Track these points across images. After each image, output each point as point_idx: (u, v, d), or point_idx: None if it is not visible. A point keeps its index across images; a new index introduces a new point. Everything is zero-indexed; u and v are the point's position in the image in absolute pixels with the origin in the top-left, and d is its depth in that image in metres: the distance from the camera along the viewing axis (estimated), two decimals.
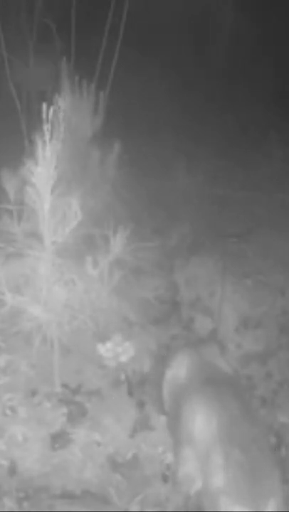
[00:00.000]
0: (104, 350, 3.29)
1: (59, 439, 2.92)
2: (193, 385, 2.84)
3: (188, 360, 2.95)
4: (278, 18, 6.07)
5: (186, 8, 6.35)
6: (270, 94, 6.03)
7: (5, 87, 4.41)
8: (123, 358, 3.29)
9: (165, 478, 2.80)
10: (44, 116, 2.76)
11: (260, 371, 3.33)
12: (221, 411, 2.68)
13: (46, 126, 2.76)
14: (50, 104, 2.81)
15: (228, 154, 5.21)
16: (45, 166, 2.82)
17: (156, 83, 5.88)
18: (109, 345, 3.31)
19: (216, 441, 2.60)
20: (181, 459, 2.77)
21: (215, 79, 6.11)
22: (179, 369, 2.94)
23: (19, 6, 4.95)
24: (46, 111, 2.75)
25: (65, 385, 3.13)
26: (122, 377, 3.21)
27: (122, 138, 3.83)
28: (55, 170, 2.85)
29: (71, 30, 4.70)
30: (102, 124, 3.81)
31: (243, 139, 5.42)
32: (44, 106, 2.76)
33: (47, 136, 2.78)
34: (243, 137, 5.45)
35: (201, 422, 2.69)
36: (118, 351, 3.29)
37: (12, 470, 2.77)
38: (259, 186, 4.83)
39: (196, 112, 5.72)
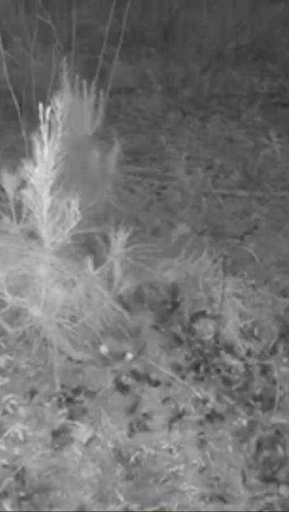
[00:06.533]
0: (105, 350, 3.29)
1: (59, 439, 2.92)
2: None
3: None
4: None
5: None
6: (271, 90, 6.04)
7: (4, 86, 4.40)
8: (123, 358, 3.29)
9: (166, 478, 2.80)
10: (42, 117, 2.75)
11: (260, 371, 3.33)
12: None
13: (43, 127, 2.75)
14: (48, 104, 2.80)
15: (229, 153, 5.21)
16: (43, 166, 2.82)
17: (156, 79, 5.90)
18: (109, 345, 3.31)
19: None
20: None
21: (215, 75, 6.12)
22: None
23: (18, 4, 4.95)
24: (43, 111, 2.74)
25: (65, 385, 3.13)
26: (123, 377, 3.21)
27: (122, 137, 3.83)
28: (55, 170, 2.84)
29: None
30: (102, 124, 3.80)
31: (243, 138, 5.42)
32: (42, 106, 2.75)
33: (45, 137, 2.77)
34: (244, 136, 5.45)
35: None
36: (118, 351, 3.30)
37: (12, 470, 2.77)
38: (260, 186, 4.82)
39: (197, 109, 5.73)
